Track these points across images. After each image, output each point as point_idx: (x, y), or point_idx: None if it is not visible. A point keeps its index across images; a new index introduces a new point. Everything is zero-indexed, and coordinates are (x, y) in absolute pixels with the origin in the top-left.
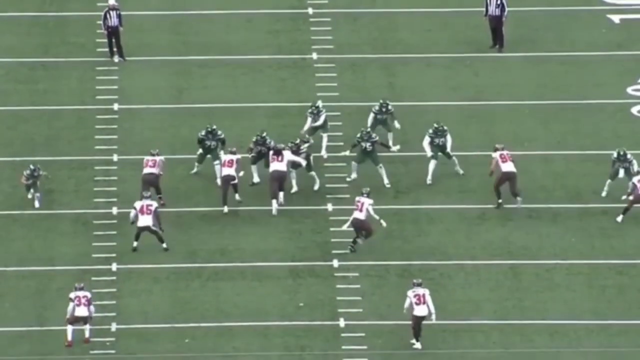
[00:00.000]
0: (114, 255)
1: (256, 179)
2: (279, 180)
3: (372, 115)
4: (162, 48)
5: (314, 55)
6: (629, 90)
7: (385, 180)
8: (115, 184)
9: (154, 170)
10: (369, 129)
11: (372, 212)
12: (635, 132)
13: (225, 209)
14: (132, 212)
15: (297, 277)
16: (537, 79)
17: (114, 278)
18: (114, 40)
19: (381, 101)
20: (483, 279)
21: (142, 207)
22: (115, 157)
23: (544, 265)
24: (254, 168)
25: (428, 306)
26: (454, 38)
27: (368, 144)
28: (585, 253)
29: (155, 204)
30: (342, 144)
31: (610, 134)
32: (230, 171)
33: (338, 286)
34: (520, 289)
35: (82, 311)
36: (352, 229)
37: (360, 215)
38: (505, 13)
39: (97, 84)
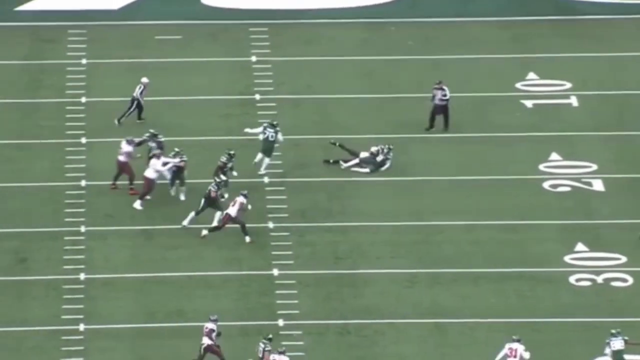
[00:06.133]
0: (81, 316)
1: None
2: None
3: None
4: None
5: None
6: (541, 167)
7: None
8: (82, 253)
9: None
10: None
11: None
12: (546, 204)
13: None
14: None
15: (246, 336)
16: (459, 157)
17: (82, 337)
18: (137, 108)
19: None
20: (412, 336)
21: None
22: (82, 229)
23: (467, 323)
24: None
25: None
26: (385, 120)
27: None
28: (503, 312)
29: (211, 326)
30: (286, 215)
31: (525, 206)
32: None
33: (283, 343)
34: (445, 345)
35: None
36: None
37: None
38: (448, 100)
39: (66, 163)
